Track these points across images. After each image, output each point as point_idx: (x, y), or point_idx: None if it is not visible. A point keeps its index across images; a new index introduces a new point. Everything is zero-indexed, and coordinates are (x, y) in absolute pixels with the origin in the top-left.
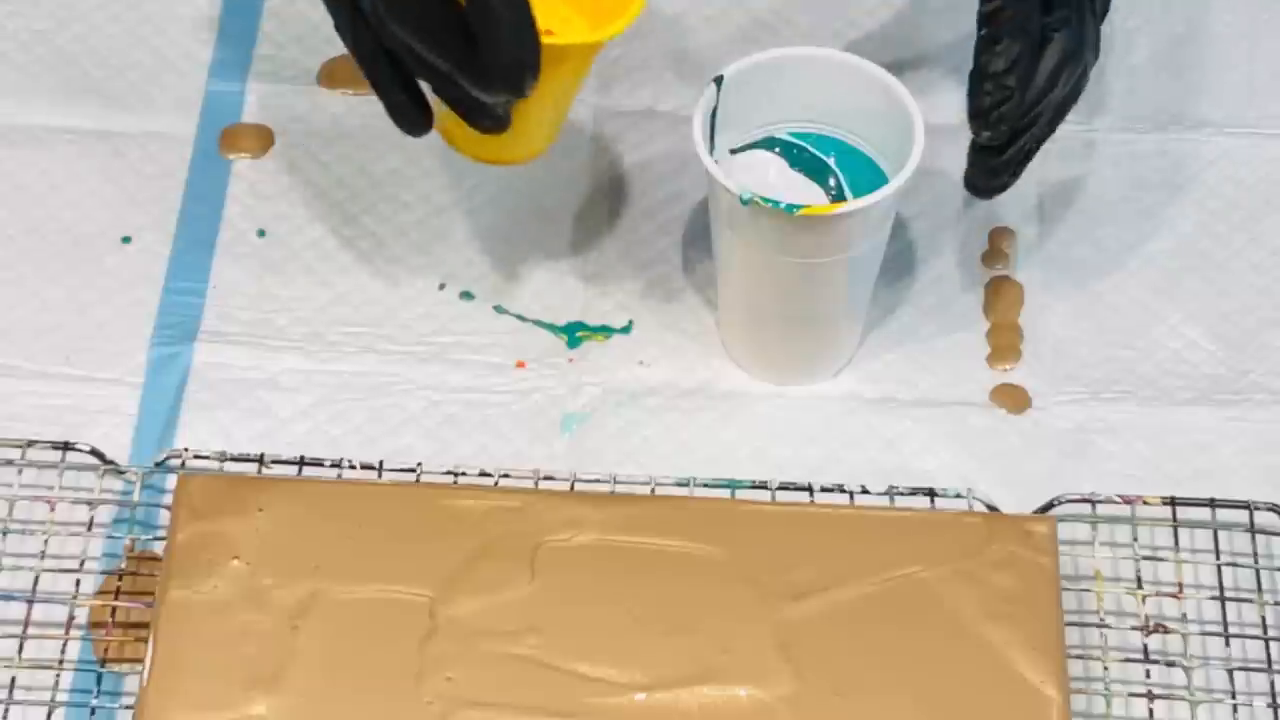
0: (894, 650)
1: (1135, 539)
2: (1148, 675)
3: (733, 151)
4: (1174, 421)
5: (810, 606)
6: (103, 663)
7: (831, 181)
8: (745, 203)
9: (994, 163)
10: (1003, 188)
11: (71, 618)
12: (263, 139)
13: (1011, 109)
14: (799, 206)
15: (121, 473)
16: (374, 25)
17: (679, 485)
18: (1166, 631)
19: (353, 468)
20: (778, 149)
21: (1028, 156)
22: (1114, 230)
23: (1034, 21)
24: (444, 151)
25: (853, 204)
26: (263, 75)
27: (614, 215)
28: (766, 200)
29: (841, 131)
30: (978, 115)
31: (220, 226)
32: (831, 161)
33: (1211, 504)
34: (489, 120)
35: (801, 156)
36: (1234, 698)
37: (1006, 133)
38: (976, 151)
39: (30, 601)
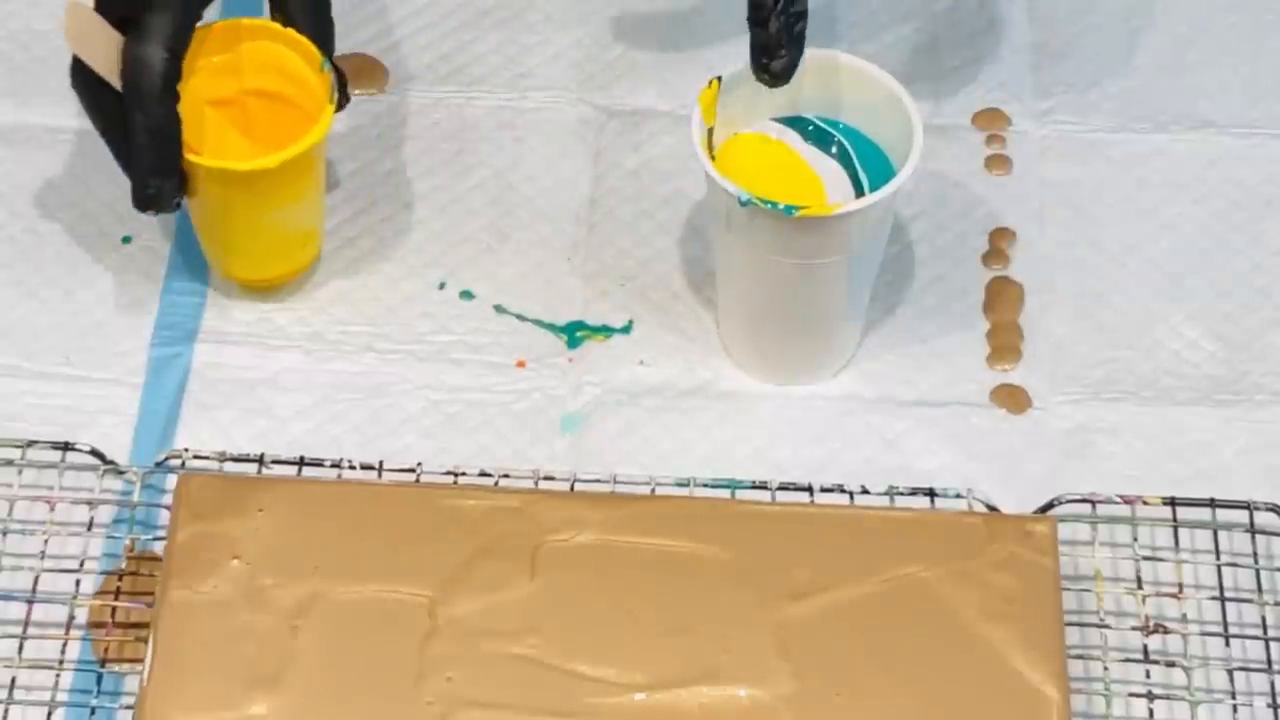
0: (894, 650)
1: (1135, 539)
2: (1148, 675)
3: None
4: (1174, 421)
5: (810, 606)
6: (103, 663)
7: (838, 152)
8: (744, 204)
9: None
10: (789, 66)
11: (71, 618)
12: None
13: None
14: (797, 208)
15: (121, 473)
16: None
17: (679, 485)
18: (1166, 632)
19: (352, 468)
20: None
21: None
22: (1114, 230)
23: None
24: (443, 151)
25: (851, 205)
26: None
27: (614, 215)
28: (765, 202)
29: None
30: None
31: None
32: (842, 138)
33: (1211, 504)
34: (153, 207)
35: (813, 133)
36: (1234, 698)
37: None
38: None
39: (30, 601)
